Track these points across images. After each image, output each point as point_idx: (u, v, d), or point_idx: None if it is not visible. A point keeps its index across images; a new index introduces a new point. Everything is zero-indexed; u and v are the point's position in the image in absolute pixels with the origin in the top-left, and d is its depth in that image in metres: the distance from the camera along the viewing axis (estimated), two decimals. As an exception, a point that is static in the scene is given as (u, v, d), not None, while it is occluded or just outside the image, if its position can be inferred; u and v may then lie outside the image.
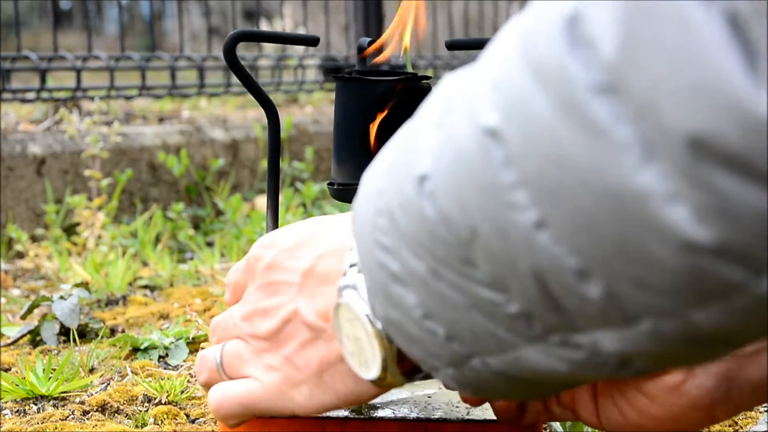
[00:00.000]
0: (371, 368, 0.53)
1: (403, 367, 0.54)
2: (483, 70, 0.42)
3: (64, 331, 1.29)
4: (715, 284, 0.36)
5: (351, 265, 0.54)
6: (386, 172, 0.47)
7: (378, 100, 0.79)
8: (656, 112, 0.34)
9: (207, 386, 0.64)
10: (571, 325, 0.42)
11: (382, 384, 0.54)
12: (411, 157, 0.45)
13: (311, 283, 0.58)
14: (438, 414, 0.75)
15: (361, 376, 0.55)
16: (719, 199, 0.34)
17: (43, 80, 2.28)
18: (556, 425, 0.88)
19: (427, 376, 0.55)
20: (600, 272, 0.38)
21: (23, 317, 1.36)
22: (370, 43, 0.81)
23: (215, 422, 0.96)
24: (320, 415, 0.75)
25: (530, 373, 0.46)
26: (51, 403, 1.04)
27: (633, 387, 0.60)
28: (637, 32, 0.35)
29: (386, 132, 0.79)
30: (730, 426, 0.95)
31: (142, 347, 1.21)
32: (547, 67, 0.37)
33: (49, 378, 1.06)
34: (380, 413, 0.75)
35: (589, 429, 0.85)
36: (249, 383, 0.60)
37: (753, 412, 0.98)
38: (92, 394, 1.05)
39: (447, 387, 0.52)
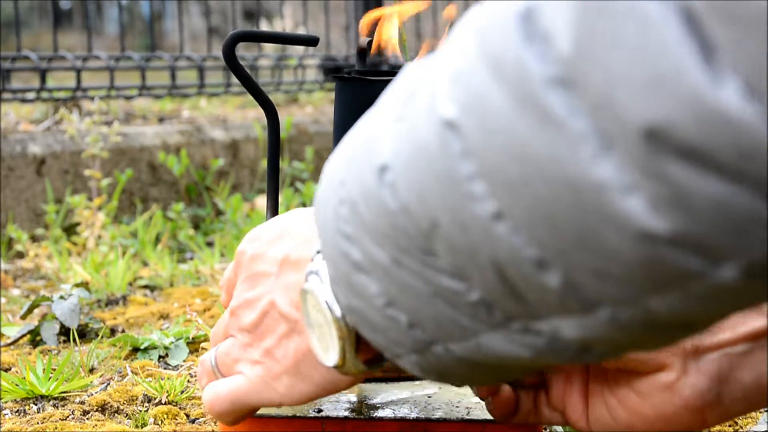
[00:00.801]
0: (330, 354, 0.54)
1: (364, 355, 0.54)
2: (441, 62, 0.42)
3: (64, 331, 1.29)
4: (672, 273, 0.36)
5: (318, 252, 0.55)
6: (348, 162, 0.47)
7: (378, 100, 0.79)
8: (612, 104, 0.35)
9: None
10: (531, 312, 0.42)
11: (342, 371, 0.55)
12: (372, 147, 0.45)
13: (286, 271, 0.59)
14: (438, 414, 0.75)
15: (322, 362, 0.55)
16: (675, 190, 0.34)
17: (43, 80, 2.28)
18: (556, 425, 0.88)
19: (397, 369, 0.56)
20: (558, 262, 0.39)
21: (23, 317, 1.36)
22: (370, 44, 0.81)
23: (215, 422, 0.96)
24: (320, 415, 0.75)
25: (493, 358, 0.46)
26: (51, 403, 1.04)
27: (625, 385, 0.61)
28: (593, 26, 0.35)
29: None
30: (730, 426, 0.95)
31: (142, 347, 1.21)
32: (504, 61, 0.38)
33: (49, 378, 1.06)
34: (380, 413, 0.75)
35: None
36: (236, 379, 0.61)
37: (753, 412, 0.98)
38: (92, 394, 1.05)
39: (410, 373, 0.52)
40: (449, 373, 0.49)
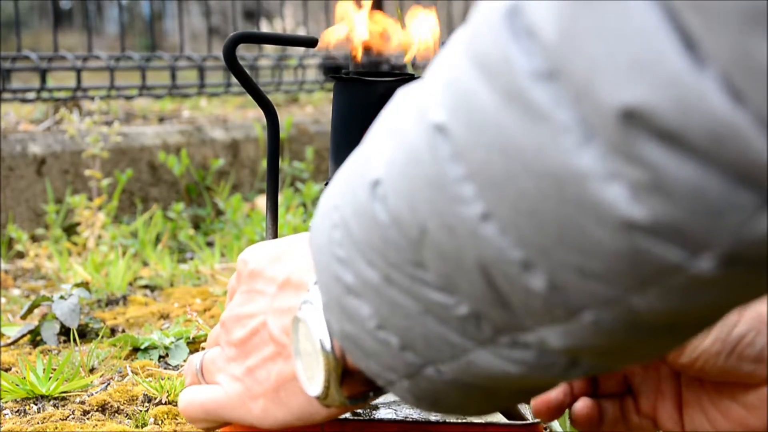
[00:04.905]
0: (315, 384, 0.54)
1: (349, 390, 0.54)
2: (433, 75, 0.43)
3: (65, 331, 1.29)
4: (652, 266, 0.37)
5: (315, 282, 0.54)
6: (342, 186, 0.48)
7: (376, 100, 0.79)
8: (594, 90, 0.35)
9: None
10: (518, 323, 0.42)
11: (324, 402, 0.55)
12: (365, 166, 0.45)
13: (284, 294, 0.58)
14: (438, 416, 0.75)
15: (306, 391, 0.55)
16: (653, 174, 0.35)
17: (43, 80, 2.28)
18: (556, 425, 0.88)
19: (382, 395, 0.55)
20: (543, 262, 0.39)
21: (23, 317, 1.36)
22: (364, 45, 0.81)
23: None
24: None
25: (483, 378, 0.46)
26: (51, 403, 1.04)
27: (727, 397, 0.60)
28: (576, 17, 0.35)
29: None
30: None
31: (142, 347, 1.21)
32: (491, 60, 0.38)
33: (50, 378, 1.06)
34: (381, 414, 0.75)
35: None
36: (213, 390, 0.61)
37: None
38: (92, 394, 1.05)
39: (404, 402, 0.52)
40: (441, 399, 0.49)
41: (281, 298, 0.58)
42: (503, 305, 0.42)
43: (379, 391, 0.55)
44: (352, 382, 0.54)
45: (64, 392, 1.06)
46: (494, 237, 0.39)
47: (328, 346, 0.52)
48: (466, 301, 0.43)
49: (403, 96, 0.46)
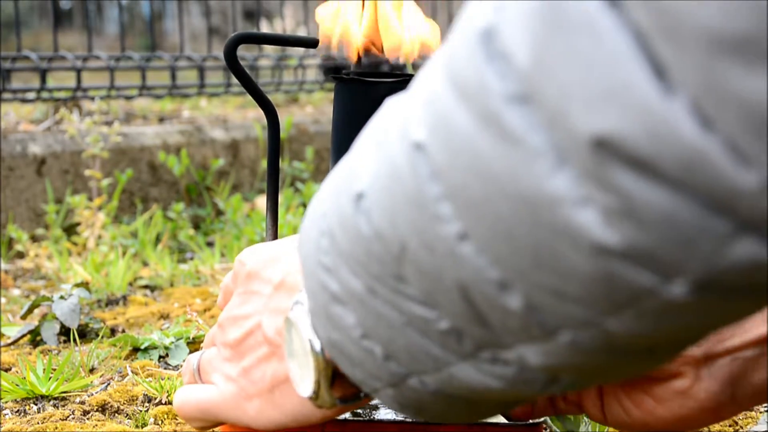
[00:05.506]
0: (306, 385, 0.54)
1: (340, 392, 0.55)
2: (416, 90, 0.43)
3: (65, 331, 1.29)
4: (625, 290, 0.37)
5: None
6: (330, 194, 0.48)
7: (377, 101, 0.79)
8: (566, 116, 0.35)
9: None
10: (497, 341, 0.42)
11: (316, 403, 0.55)
12: (351, 176, 0.46)
13: (279, 295, 0.59)
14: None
15: (298, 392, 0.55)
16: (625, 201, 0.35)
17: (43, 80, 2.28)
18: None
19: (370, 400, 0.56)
20: (519, 283, 0.39)
21: (23, 317, 1.36)
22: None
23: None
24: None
25: (466, 390, 0.46)
26: (51, 403, 1.04)
27: (639, 389, 0.63)
28: (549, 42, 0.35)
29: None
30: (730, 426, 0.95)
31: (142, 347, 1.21)
32: (466, 81, 0.38)
33: (50, 378, 1.06)
34: (381, 414, 0.75)
35: (588, 430, 0.86)
36: (209, 390, 0.62)
37: (753, 412, 0.98)
38: (92, 394, 1.05)
39: (390, 408, 0.52)
40: (426, 408, 0.50)
41: (276, 299, 0.58)
42: (482, 323, 0.42)
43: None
44: (343, 383, 0.54)
45: (64, 392, 1.06)
46: (471, 257, 0.40)
47: (317, 347, 0.52)
48: (446, 316, 0.43)
49: (390, 107, 0.46)
